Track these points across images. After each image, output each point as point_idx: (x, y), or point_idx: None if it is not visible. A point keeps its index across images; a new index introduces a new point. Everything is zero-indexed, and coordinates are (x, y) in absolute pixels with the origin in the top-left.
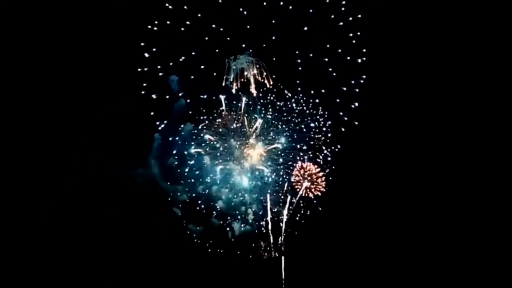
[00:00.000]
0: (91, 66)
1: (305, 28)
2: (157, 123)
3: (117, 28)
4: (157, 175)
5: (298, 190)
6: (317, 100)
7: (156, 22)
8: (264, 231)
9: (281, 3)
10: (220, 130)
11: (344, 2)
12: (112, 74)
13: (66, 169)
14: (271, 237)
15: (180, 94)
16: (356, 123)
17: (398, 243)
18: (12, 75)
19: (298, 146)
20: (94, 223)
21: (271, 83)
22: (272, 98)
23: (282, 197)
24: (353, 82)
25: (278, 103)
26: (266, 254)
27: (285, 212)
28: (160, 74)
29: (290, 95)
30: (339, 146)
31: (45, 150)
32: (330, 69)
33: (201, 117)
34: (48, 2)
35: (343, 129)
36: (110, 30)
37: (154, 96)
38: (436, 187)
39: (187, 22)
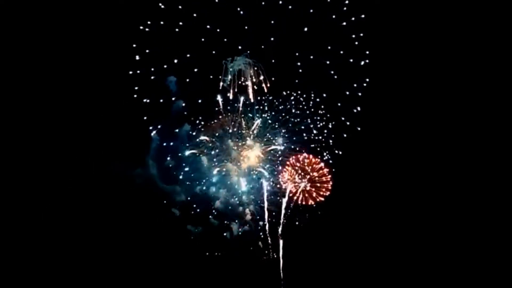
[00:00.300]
0: (90, 67)
1: (306, 29)
2: (151, 128)
3: (117, 28)
4: (156, 176)
5: (292, 195)
6: (317, 99)
7: (149, 23)
8: (262, 236)
9: (280, 2)
10: (218, 131)
11: (347, 2)
12: (111, 75)
13: (66, 169)
14: (269, 239)
15: (174, 98)
16: (359, 128)
17: (398, 247)
18: (10, 77)
19: (297, 149)
20: (93, 222)
21: (268, 85)
22: (271, 98)
23: (279, 199)
24: (355, 85)
25: (276, 103)
26: (264, 257)
27: (282, 212)
28: (154, 77)
29: (289, 97)
30: (340, 152)
31: (45, 150)
32: (332, 72)
33: (199, 118)
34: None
35: (345, 135)
36: (110, 30)
37: (146, 101)
38: (443, 198)
39: (180, 23)
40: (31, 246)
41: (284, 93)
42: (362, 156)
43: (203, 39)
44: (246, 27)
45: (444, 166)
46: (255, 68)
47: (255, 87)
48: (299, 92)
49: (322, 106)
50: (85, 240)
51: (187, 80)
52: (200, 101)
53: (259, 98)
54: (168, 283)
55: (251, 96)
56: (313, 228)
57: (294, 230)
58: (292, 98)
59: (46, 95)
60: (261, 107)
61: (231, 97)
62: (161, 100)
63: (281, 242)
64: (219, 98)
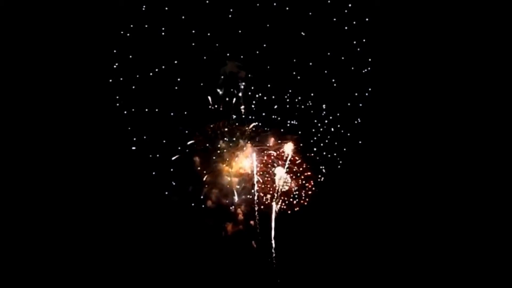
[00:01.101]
0: (89, 68)
1: (303, 34)
2: (134, 139)
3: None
4: (150, 176)
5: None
6: (315, 108)
7: (131, 26)
8: (254, 236)
9: (275, 3)
10: (210, 131)
11: (350, 5)
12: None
13: (66, 169)
14: (260, 238)
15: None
16: (360, 142)
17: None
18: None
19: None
20: (91, 223)
21: (260, 91)
22: (265, 98)
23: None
24: (356, 94)
25: (271, 106)
26: (257, 256)
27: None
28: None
29: (284, 102)
30: (339, 167)
31: (45, 150)
32: (333, 80)
33: (192, 119)
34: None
35: (344, 149)
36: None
37: (131, 110)
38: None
39: (163, 28)
40: (31, 246)
41: (279, 97)
42: (363, 171)
43: (193, 44)
44: (240, 31)
45: (454, 186)
46: (249, 75)
47: (247, 91)
48: (295, 100)
49: (320, 119)
50: (84, 240)
51: (176, 88)
52: (192, 104)
53: (252, 103)
54: (163, 282)
55: (241, 100)
56: (308, 227)
57: (288, 231)
58: (287, 100)
59: (47, 95)
60: (253, 110)
61: (222, 101)
62: (146, 110)
63: (273, 243)
64: (210, 101)
